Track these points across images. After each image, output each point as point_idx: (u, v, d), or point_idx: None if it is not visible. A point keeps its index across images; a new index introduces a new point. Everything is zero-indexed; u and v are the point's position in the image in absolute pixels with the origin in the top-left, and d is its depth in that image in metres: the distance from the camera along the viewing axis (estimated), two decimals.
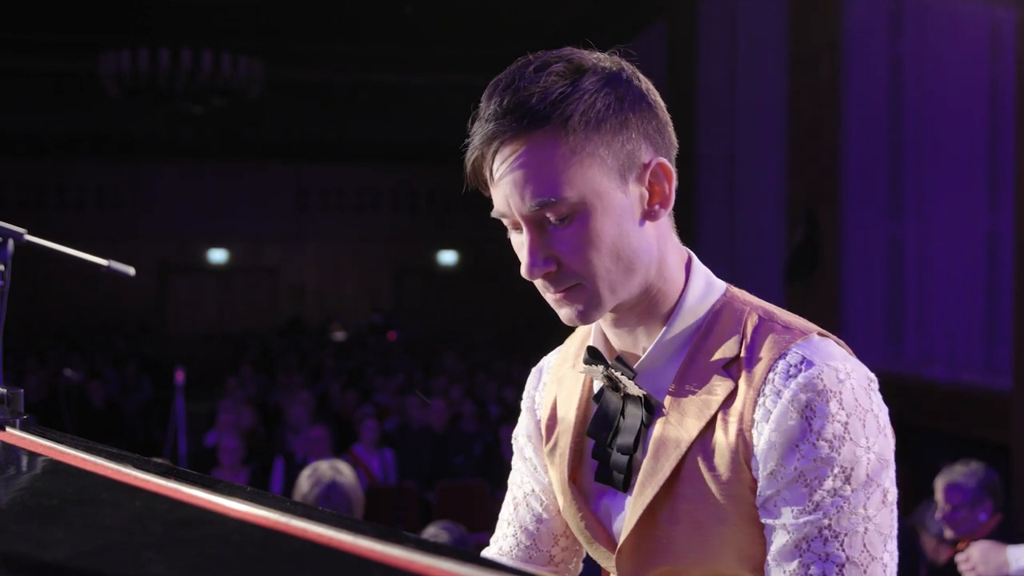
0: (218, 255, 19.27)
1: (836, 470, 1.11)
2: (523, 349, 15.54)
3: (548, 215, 1.14)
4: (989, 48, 7.22)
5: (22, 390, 1.25)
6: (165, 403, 9.09)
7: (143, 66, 13.63)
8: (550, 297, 1.20)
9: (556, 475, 1.35)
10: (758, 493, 1.16)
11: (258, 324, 18.49)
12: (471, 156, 1.17)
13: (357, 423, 7.50)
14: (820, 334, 1.20)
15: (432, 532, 3.89)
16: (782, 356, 1.16)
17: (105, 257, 1.66)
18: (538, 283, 1.19)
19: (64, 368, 10.56)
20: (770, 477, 1.14)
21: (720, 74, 11.42)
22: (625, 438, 1.25)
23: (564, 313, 1.20)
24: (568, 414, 1.34)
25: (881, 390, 1.20)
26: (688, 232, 10.52)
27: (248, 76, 14.30)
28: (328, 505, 3.49)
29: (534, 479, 1.43)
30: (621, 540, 1.25)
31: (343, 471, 3.71)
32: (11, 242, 1.45)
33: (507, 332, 17.94)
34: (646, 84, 1.20)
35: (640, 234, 1.18)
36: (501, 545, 1.44)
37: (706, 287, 1.25)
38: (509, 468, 1.50)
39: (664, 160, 1.19)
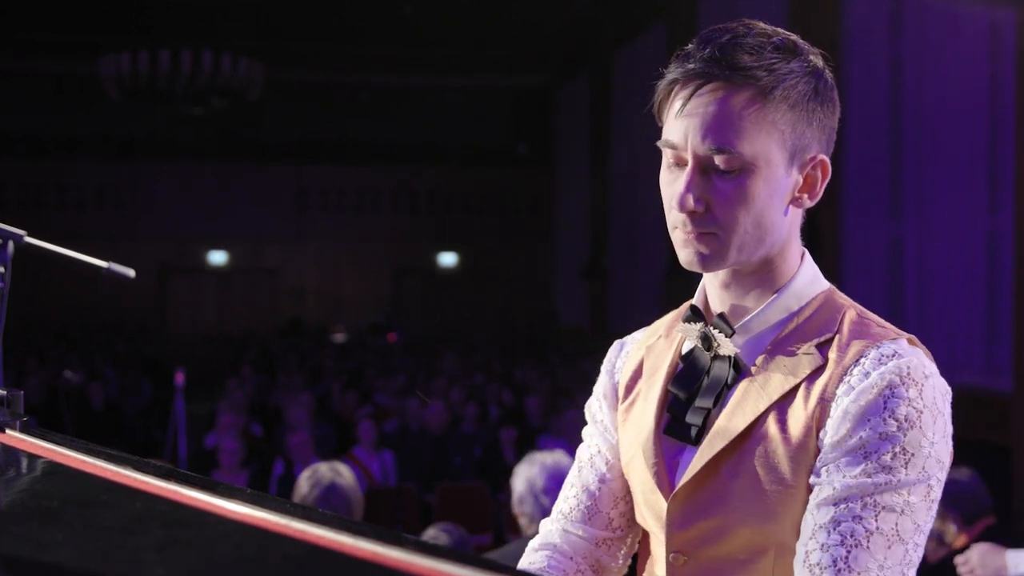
0: (218, 256, 19.26)
1: (897, 449, 1.16)
2: (523, 349, 15.53)
3: (718, 162, 1.22)
4: (989, 48, 7.23)
5: (22, 392, 1.25)
6: (165, 404, 9.07)
7: (143, 68, 13.63)
8: (680, 235, 1.26)
9: (634, 430, 1.39)
10: (819, 458, 1.21)
11: (258, 325, 18.47)
12: (668, 81, 1.25)
13: (357, 424, 7.48)
14: (910, 340, 1.26)
15: (432, 534, 3.88)
16: (876, 346, 1.23)
17: (105, 258, 1.66)
18: (675, 218, 1.26)
19: (64, 369, 10.55)
20: (834, 444, 1.19)
21: None
22: (707, 394, 1.31)
23: (687, 253, 1.26)
24: (656, 372, 1.40)
25: None
26: None
27: (248, 77, 14.31)
28: (327, 507, 3.49)
29: (603, 439, 1.48)
30: (679, 485, 1.29)
31: (342, 473, 3.71)
32: (11, 244, 1.45)
33: (507, 332, 17.93)
34: (835, 89, 1.30)
35: (782, 215, 1.27)
36: (561, 507, 1.48)
37: (814, 277, 1.34)
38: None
39: (826, 159, 1.29)
